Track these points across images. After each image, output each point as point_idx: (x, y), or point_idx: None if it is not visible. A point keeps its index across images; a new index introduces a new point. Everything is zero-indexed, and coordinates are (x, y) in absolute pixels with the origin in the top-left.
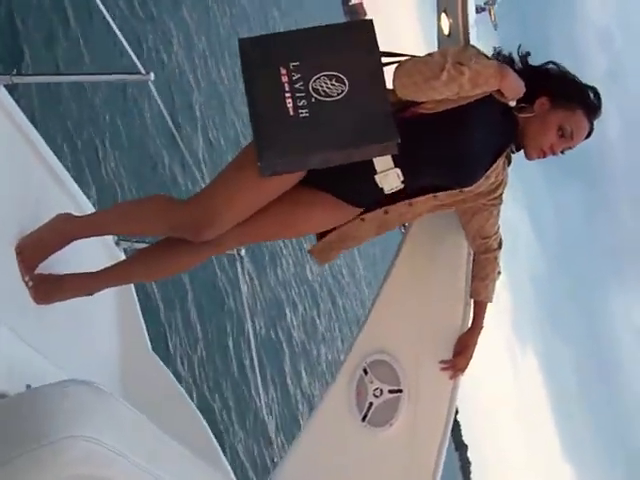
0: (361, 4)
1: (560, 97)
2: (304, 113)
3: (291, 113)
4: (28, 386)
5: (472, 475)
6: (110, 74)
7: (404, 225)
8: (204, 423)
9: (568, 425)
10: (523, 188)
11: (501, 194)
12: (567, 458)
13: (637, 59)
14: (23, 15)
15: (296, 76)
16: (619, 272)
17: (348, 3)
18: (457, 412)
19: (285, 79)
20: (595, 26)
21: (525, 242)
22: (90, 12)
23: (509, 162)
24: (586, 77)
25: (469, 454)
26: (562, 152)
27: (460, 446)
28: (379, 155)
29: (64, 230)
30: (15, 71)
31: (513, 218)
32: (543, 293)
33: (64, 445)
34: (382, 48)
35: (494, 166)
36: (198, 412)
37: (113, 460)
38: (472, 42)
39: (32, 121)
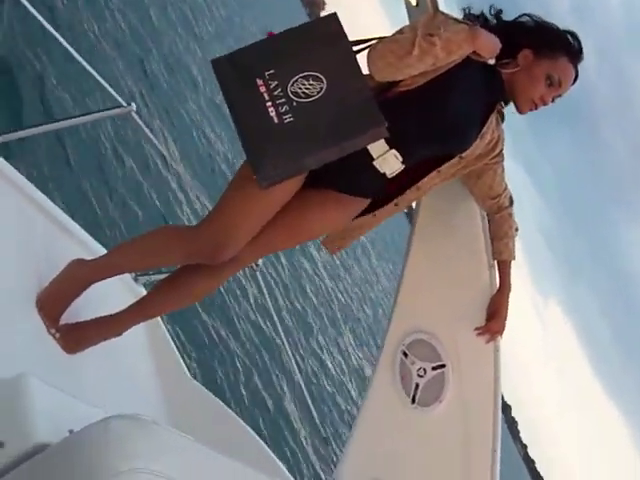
0: None
1: (542, 47)
2: (288, 118)
3: (276, 121)
4: (70, 431)
5: (521, 434)
6: (92, 113)
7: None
8: (255, 435)
9: (608, 370)
10: (515, 147)
11: (501, 150)
12: (611, 400)
13: None
14: None
15: (273, 84)
16: (625, 204)
17: None
18: None
19: (263, 89)
20: None
21: (528, 197)
22: (61, 55)
23: (502, 118)
24: (551, 16)
25: (513, 414)
26: (552, 101)
27: (504, 408)
28: (371, 142)
29: (79, 276)
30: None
31: (511, 177)
32: (554, 242)
33: None
34: (350, 37)
35: (487, 125)
36: (247, 426)
37: None
38: (440, 6)
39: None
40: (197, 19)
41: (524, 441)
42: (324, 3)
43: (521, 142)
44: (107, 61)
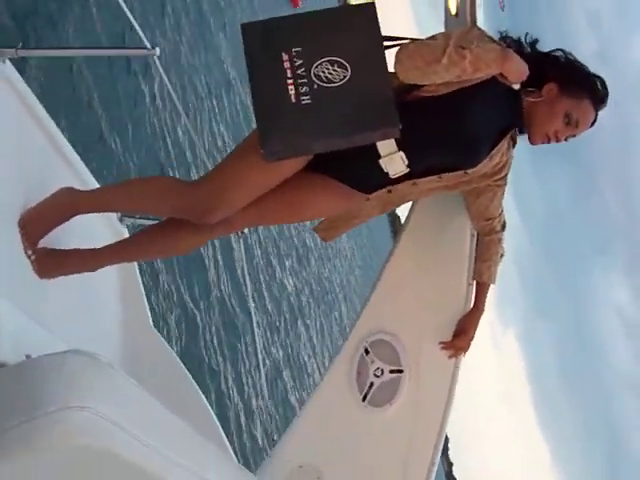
0: None
1: (569, 85)
2: (306, 100)
3: (293, 100)
4: (28, 356)
5: (450, 452)
6: (116, 48)
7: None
8: (204, 399)
9: (547, 401)
10: (511, 172)
11: (506, 175)
12: (542, 434)
13: (625, 42)
14: None
15: (298, 62)
16: (603, 255)
17: None
18: None
19: (287, 65)
20: (585, 8)
21: (511, 225)
22: None
23: (514, 143)
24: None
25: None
26: (565, 139)
27: None
28: (382, 139)
29: (67, 204)
30: (21, 44)
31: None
32: (526, 275)
33: (61, 416)
34: (383, 32)
35: (498, 147)
36: (198, 389)
37: (110, 431)
38: (478, 23)
39: (38, 95)
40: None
41: (451, 459)
42: None
43: (518, 169)
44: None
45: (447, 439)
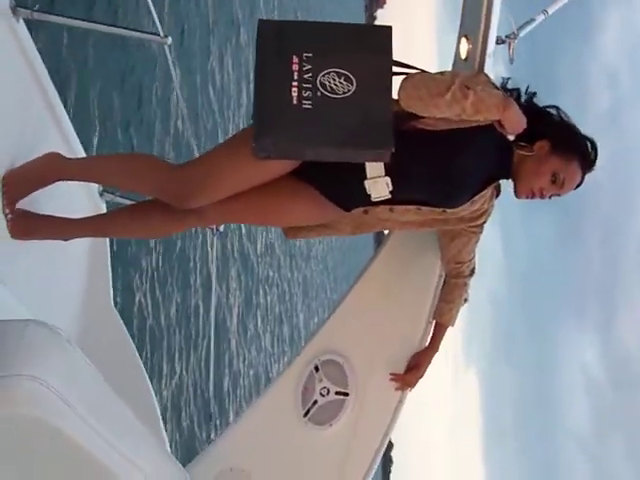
0: None
1: (561, 144)
2: (307, 105)
3: (294, 102)
4: None
5: (391, 475)
6: (129, 29)
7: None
8: (150, 388)
9: (496, 453)
10: (500, 208)
11: (483, 223)
12: (487, 476)
13: (636, 106)
14: None
15: (306, 67)
16: (578, 310)
17: None
18: None
19: (295, 67)
20: (605, 65)
21: (493, 261)
22: None
23: (498, 194)
24: (587, 110)
25: (393, 453)
26: (550, 197)
27: (387, 445)
28: (372, 160)
29: (51, 168)
30: (37, 7)
31: (485, 234)
32: (499, 316)
33: (9, 382)
34: (396, 56)
35: (482, 193)
36: (147, 376)
37: (56, 405)
38: (486, 71)
39: (45, 59)
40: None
41: None
42: (384, 2)
43: (508, 210)
44: None
45: (392, 462)
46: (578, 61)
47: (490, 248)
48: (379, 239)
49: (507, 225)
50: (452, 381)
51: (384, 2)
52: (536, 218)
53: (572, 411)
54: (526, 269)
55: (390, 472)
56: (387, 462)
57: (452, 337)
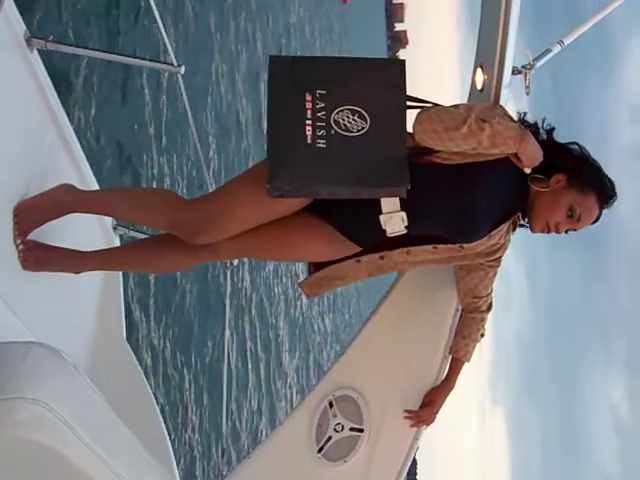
0: (405, 32)
1: (577, 178)
2: (321, 144)
3: (308, 141)
4: None
5: None
6: (143, 59)
7: None
8: (160, 419)
9: None
10: (525, 244)
11: (500, 257)
12: None
13: None
14: None
15: (320, 105)
16: (605, 347)
17: (393, 29)
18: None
19: (309, 106)
20: (628, 102)
21: (518, 298)
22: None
23: (514, 228)
24: (610, 146)
25: None
26: (566, 232)
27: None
28: (387, 196)
29: (64, 201)
30: (52, 37)
31: (510, 271)
32: (526, 353)
33: (11, 405)
34: (410, 90)
35: (499, 228)
36: (157, 407)
37: (59, 429)
38: (502, 102)
39: (57, 88)
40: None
41: None
42: (407, 42)
43: (532, 246)
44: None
45: None
46: (600, 95)
47: (515, 284)
48: None
49: (532, 261)
50: (479, 421)
51: (407, 43)
52: (561, 254)
53: (601, 451)
54: (552, 305)
55: None
56: None
57: (479, 376)
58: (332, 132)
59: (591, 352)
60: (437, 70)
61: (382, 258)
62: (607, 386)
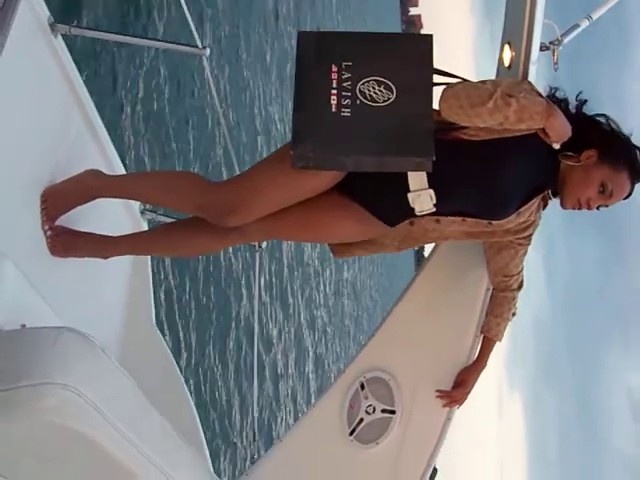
0: (419, 17)
1: (609, 153)
2: (346, 113)
3: (333, 110)
4: (23, 325)
5: None
6: (167, 42)
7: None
8: (191, 403)
9: (542, 473)
10: (542, 227)
11: (530, 235)
12: None
13: None
14: None
15: (346, 75)
16: (623, 332)
17: (407, 13)
18: None
19: (334, 76)
20: None
21: (535, 283)
22: None
23: (545, 205)
24: (628, 125)
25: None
26: (597, 208)
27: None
28: (412, 170)
29: (91, 185)
30: (76, 23)
31: (527, 254)
32: (541, 339)
33: (42, 390)
34: (436, 64)
35: (528, 205)
36: (188, 392)
37: (89, 414)
38: (530, 79)
39: (82, 73)
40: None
41: None
42: (422, 26)
43: (551, 231)
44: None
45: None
46: (616, 78)
47: (532, 269)
48: (419, 257)
49: (549, 247)
50: (497, 406)
51: (421, 27)
52: (579, 239)
53: (618, 436)
54: (569, 292)
55: None
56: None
57: (496, 361)
58: (357, 102)
59: (609, 337)
60: (451, 54)
61: (412, 224)
62: (625, 371)
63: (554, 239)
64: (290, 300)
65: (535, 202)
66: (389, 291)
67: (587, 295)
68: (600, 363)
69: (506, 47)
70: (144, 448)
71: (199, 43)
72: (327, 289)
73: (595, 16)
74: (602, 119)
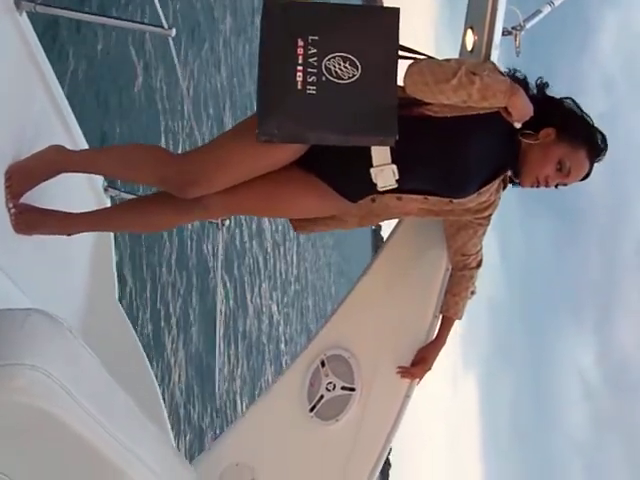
0: None
1: (567, 131)
2: (311, 90)
3: (299, 87)
4: None
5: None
6: (133, 22)
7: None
8: (154, 381)
9: (494, 457)
10: (499, 208)
11: (490, 215)
12: None
13: (632, 112)
14: None
15: (312, 50)
16: (575, 314)
17: None
18: None
19: (300, 51)
20: (602, 69)
21: (490, 264)
22: None
23: (505, 186)
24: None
25: (391, 456)
26: (556, 186)
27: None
28: (376, 144)
29: (55, 160)
30: (40, 0)
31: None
32: (497, 320)
33: (10, 371)
34: (401, 41)
35: (488, 185)
36: (151, 370)
37: (57, 394)
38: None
39: (47, 51)
40: None
41: None
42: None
43: (506, 211)
44: None
45: (389, 465)
46: (574, 64)
47: (487, 251)
48: (376, 239)
49: (504, 228)
50: (451, 386)
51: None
52: (534, 222)
53: (569, 416)
54: (524, 273)
55: (389, 476)
56: (386, 466)
57: (450, 341)
58: (323, 79)
59: (561, 319)
60: (412, 31)
61: (373, 200)
62: (577, 351)
63: (510, 219)
64: (249, 278)
65: (495, 183)
66: (345, 270)
67: (541, 276)
68: (553, 343)
69: (469, 31)
70: (110, 427)
71: (165, 24)
72: (288, 268)
73: (557, 2)
74: (568, 101)
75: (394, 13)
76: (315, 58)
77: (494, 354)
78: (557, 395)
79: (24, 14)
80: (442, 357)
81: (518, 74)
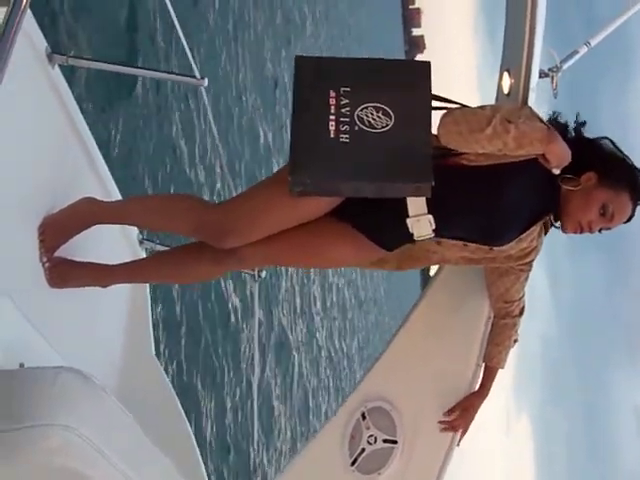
0: (422, 37)
1: (609, 175)
2: (344, 138)
3: (331, 136)
4: (21, 365)
5: None
6: (166, 72)
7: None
8: (192, 438)
9: None
10: (546, 248)
11: (532, 261)
12: None
13: None
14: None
15: (344, 101)
16: (629, 350)
17: (410, 34)
18: None
19: (333, 102)
20: None
21: (541, 301)
22: (159, 12)
23: (546, 231)
24: (631, 147)
25: None
26: (599, 231)
27: None
28: (411, 195)
29: (87, 213)
30: (72, 52)
31: (533, 275)
32: (550, 358)
33: (42, 432)
34: (434, 90)
35: (529, 231)
36: (189, 425)
37: (88, 454)
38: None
39: (79, 103)
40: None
41: None
42: (425, 47)
43: (555, 252)
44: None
45: None
46: (619, 100)
47: (538, 289)
48: (425, 278)
49: (554, 266)
50: (505, 429)
51: (424, 48)
52: (584, 258)
53: (626, 455)
54: (575, 310)
55: None
56: None
57: (503, 382)
58: (356, 128)
59: (615, 356)
60: (455, 76)
61: (413, 243)
62: (632, 388)
63: (558, 257)
64: (292, 328)
65: (536, 228)
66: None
67: (593, 313)
68: (607, 380)
69: (505, 74)
70: None
71: (197, 74)
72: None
73: (594, 42)
74: (605, 141)
75: (426, 66)
76: (348, 108)
77: (548, 395)
78: (613, 433)
79: (57, 67)
80: (494, 398)
81: (560, 118)
